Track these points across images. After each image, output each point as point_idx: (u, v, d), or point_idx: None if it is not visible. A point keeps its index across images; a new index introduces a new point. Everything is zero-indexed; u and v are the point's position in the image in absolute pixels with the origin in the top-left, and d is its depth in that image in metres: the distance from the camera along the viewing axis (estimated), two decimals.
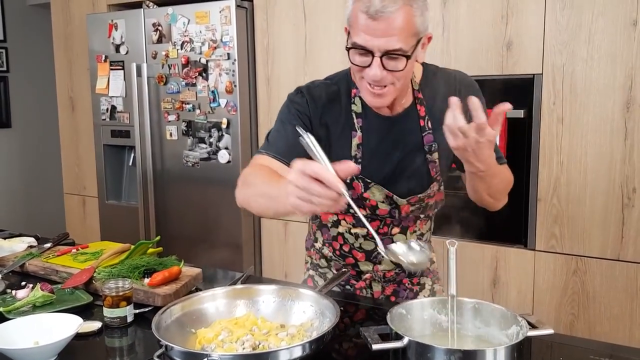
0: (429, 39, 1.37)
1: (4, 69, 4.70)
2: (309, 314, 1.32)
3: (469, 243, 2.63)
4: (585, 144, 2.36)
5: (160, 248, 1.93)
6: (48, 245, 1.99)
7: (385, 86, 1.34)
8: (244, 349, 1.17)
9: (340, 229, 1.60)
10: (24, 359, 1.21)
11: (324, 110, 1.48)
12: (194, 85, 3.14)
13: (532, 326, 1.13)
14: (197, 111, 3.16)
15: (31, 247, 2.07)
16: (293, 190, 1.06)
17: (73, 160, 3.98)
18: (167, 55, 3.21)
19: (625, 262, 2.33)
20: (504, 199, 1.54)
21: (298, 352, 1.07)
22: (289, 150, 1.40)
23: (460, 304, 1.21)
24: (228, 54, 3.02)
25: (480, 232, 2.56)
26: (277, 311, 1.36)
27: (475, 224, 2.53)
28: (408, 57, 1.29)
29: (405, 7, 1.26)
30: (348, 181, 1.48)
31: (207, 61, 3.09)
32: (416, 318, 1.22)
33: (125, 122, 3.45)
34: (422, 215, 1.59)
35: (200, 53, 3.10)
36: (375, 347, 1.05)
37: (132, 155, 3.56)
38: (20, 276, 1.83)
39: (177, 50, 3.17)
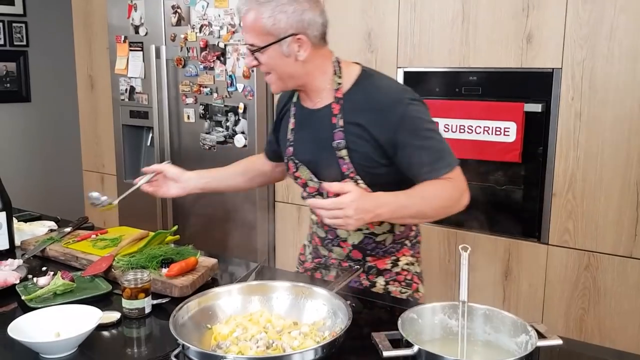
0: (299, 39, 1.52)
1: (24, 43, 4.73)
2: (322, 312, 1.35)
3: (482, 235, 2.64)
4: (602, 141, 2.35)
5: (178, 236, 1.97)
6: (68, 229, 2.04)
7: (268, 74, 1.59)
8: (257, 347, 1.21)
9: (310, 213, 1.79)
10: (45, 351, 1.25)
11: (283, 107, 1.78)
12: (212, 69, 3.15)
13: (542, 336, 1.15)
14: (215, 95, 3.18)
15: (51, 230, 2.12)
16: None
17: (92, 138, 4.02)
18: (185, 38, 3.22)
19: (638, 259, 2.33)
20: (453, 207, 1.53)
21: (310, 356, 1.10)
22: (270, 151, 1.93)
23: (471, 309, 1.23)
24: None
25: (493, 224, 2.58)
26: (290, 308, 1.40)
27: (488, 216, 2.55)
28: (254, 51, 1.53)
29: (251, 10, 1.50)
30: (286, 161, 1.73)
31: (225, 45, 3.09)
32: (427, 322, 1.25)
33: (144, 103, 3.48)
34: None
35: (219, 37, 3.10)
36: (385, 354, 1.08)
37: (150, 135, 3.59)
38: (41, 260, 1.88)
39: (196, 33, 3.18)
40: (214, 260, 1.75)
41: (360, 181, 1.58)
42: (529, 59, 2.46)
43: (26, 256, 1.87)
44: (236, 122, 3.14)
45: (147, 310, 1.48)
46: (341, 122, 1.58)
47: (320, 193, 1.67)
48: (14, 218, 2.03)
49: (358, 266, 1.63)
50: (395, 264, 1.73)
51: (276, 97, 3.12)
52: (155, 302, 1.52)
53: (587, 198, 2.40)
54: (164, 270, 1.64)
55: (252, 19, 1.50)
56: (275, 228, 3.31)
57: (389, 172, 1.57)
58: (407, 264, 1.74)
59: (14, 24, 4.63)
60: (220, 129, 3.21)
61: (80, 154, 4.15)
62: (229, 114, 3.16)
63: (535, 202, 2.52)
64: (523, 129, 2.46)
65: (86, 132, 4.06)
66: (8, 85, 4.66)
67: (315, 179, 1.66)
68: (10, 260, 1.75)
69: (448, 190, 1.50)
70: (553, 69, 2.41)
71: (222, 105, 3.17)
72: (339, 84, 1.60)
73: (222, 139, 3.21)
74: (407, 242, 1.74)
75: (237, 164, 2.01)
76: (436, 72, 2.68)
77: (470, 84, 2.59)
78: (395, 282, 1.73)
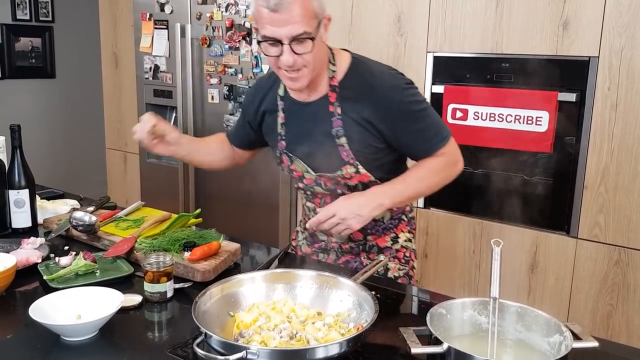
0: (329, 19, 1.49)
1: (49, 19, 4.73)
2: (347, 304, 1.31)
3: (508, 226, 2.58)
4: (638, 133, 2.27)
5: (200, 219, 1.95)
6: (91, 208, 2.02)
7: (299, 70, 1.49)
8: (281, 337, 1.18)
9: (303, 200, 1.82)
10: (67, 333, 1.24)
11: (264, 98, 1.73)
12: (237, 49, 3.11)
13: (576, 337, 1.10)
14: (240, 76, 3.14)
15: (74, 209, 2.11)
16: None
17: (115, 116, 4.02)
18: (211, 17, 3.17)
19: None
20: (449, 178, 1.63)
21: (335, 350, 1.07)
22: (234, 136, 1.92)
23: (502, 306, 1.18)
24: None
25: (521, 215, 2.52)
26: (314, 298, 1.36)
27: (516, 207, 2.49)
28: (313, 39, 1.43)
29: None
30: (278, 154, 1.72)
31: (251, 25, 3.05)
32: (456, 318, 1.21)
33: (168, 83, 3.46)
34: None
35: (245, 16, 3.06)
36: (414, 350, 1.04)
37: (174, 115, 3.57)
38: (64, 240, 1.86)
39: (222, 12, 3.13)
40: (236, 245, 1.73)
41: (360, 167, 1.59)
42: (565, 46, 2.37)
43: (53, 235, 1.86)
44: None
45: (169, 295, 1.45)
46: (339, 110, 1.58)
47: (318, 184, 1.68)
48: (37, 196, 2.02)
49: (382, 257, 1.59)
50: (395, 240, 1.77)
51: None
52: (177, 286, 1.50)
53: (619, 192, 2.33)
54: (186, 254, 1.62)
55: (301, 5, 1.40)
56: (298, 211, 3.29)
57: (386, 154, 1.62)
58: (405, 240, 1.79)
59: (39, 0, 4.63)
60: None
61: (103, 132, 4.15)
62: None
63: (565, 195, 2.45)
64: (556, 119, 2.39)
65: (110, 110, 4.06)
66: (33, 61, 4.67)
67: (312, 171, 1.66)
68: (32, 238, 1.73)
69: (441, 166, 1.60)
70: (589, 57, 2.33)
71: (247, 87, 3.13)
72: (334, 71, 1.59)
73: None
74: (403, 217, 1.79)
75: (213, 141, 1.94)
76: (467, 57, 2.61)
77: (502, 71, 2.51)
78: (395, 259, 1.77)
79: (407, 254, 1.79)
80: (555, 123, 2.39)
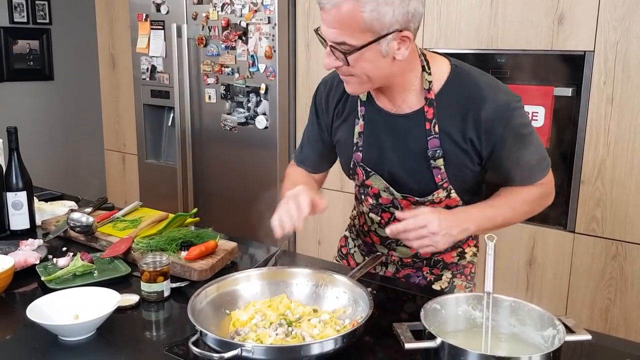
0: (407, 37, 1.27)
1: (47, 21, 4.73)
2: (342, 300, 1.32)
3: None
4: (634, 127, 2.27)
5: (198, 218, 1.95)
6: (88, 210, 2.03)
7: (348, 76, 1.34)
8: (277, 334, 1.18)
9: (363, 208, 1.62)
10: (64, 333, 1.24)
11: (339, 98, 1.52)
12: (234, 48, 3.12)
13: (569, 330, 1.11)
14: (236, 75, 3.14)
15: (72, 210, 2.12)
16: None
17: (113, 117, 4.03)
18: (207, 17, 3.18)
19: None
20: (538, 209, 1.49)
21: (330, 346, 1.08)
22: (317, 161, 1.66)
23: (496, 301, 1.19)
24: (269, 17, 2.97)
25: None
26: (310, 295, 1.37)
27: None
28: (347, 53, 1.26)
29: (349, 1, 1.21)
30: (352, 166, 1.53)
31: (247, 24, 3.05)
32: (450, 313, 1.21)
33: (165, 83, 3.46)
34: None
35: (241, 16, 3.06)
36: (407, 346, 1.05)
37: (172, 115, 3.58)
38: (62, 241, 1.87)
39: (218, 12, 3.13)
40: (233, 244, 1.73)
41: (452, 191, 1.44)
42: (560, 40, 2.38)
43: (51, 236, 1.86)
44: (257, 103, 3.11)
45: (166, 294, 1.46)
46: (436, 128, 1.38)
47: (395, 206, 1.51)
48: (34, 197, 2.03)
49: (379, 253, 1.59)
50: (461, 256, 1.63)
51: (301, 79, 3.13)
52: (174, 285, 1.50)
53: (616, 186, 2.33)
54: (183, 254, 1.62)
55: (348, 12, 1.21)
56: None
57: (476, 176, 1.45)
58: (472, 255, 1.66)
59: (37, 2, 4.63)
60: (241, 109, 3.18)
61: (101, 133, 4.16)
62: (251, 95, 3.12)
63: (562, 189, 2.45)
64: (552, 114, 2.39)
65: (107, 111, 4.06)
66: (31, 63, 4.68)
67: (392, 189, 1.48)
68: (30, 240, 1.74)
69: (535, 197, 1.45)
70: (585, 51, 2.33)
71: (244, 86, 3.13)
72: (430, 82, 1.39)
73: (243, 120, 3.18)
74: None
75: (307, 176, 1.67)
76: (462, 53, 2.61)
77: (498, 66, 2.51)
78: (462, 276, 1.65)
79: (473, 270, 1.67)
80: (551, 118, 2.40)
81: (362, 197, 1.59)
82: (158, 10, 3.39)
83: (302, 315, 1.27)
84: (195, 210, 1.99)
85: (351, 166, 1.53)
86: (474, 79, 1.39)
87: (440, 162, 1.40)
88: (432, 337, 1.06)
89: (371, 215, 1.59)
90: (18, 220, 1.91)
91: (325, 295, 1.36)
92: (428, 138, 1.39)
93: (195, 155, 3.43)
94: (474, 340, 1.17)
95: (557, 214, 2.48)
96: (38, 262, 1.62)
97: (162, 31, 3.40)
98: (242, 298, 1.35)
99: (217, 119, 3.28)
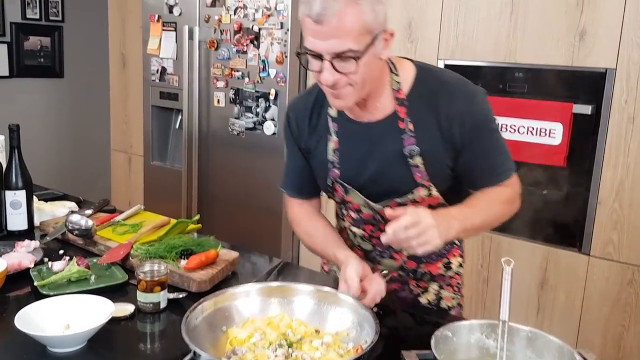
0: (391, 34, 1.29)
1: (59, 18, 4.70)
2: (346, 322, 1.25)
3: (518, 240, 2.51)
4: None
5: (200, 225, 1.89)
6: (89, 212, 1.97)
7: (343, 87, 1.28)
8: (276, 356, 1.12)
9: (344, 223, 1.59)
10: (53, 344, 1.18)
11: (309, 122, 1.50)
12: (245, 52, 3.06)
13: None
14: (246, 79, 3.09)
15: (72, 212, 2.06)
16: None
17: (121, 118, 3.98)
18: (219, 20, 3.13)
19: None
20: (509, 214, 1.44)
21: None
22: (304, 186, 1.59)
23: (512, 330, 1.12)
24: (281, 22, 2.92)
25: (532, 230, 2.45)
26: (312, 314, 1.30)
27: (526, 221, 2.41)
28: (358, 58, 1.22)
29: (350, 5, 1.18)
30: (330, 184, 1.50)
31: (259, 29, 3.00)
32: (462, 341, 1.14)
33: (175, 85, 3.41)
34: None
35: (254, 20, 3.01)
36: None
37: (179, 118, 3.53)
38: (60, 243, 1.81)
39: (230, 15, 3.08)
40: (235, 254, 1.67)
41: (433, 189, 1.41)
42: (581, 57, 2.30)
43: (48, 238, 1.81)
44: (266, 109, 3.05)
45: (163, 305, 1.40)
46: (410, 126, 1.37)
47: (376, 219, 1.47)
48: (34, 197, 1.97)
49: (386, 271, 1.52)
50: (447, 267, 1.61)
51: (311, 82, 3.06)
52: (171, 296, 1.44)
53: (635, 208, 2.25)
54: (183, 262, 1.56)
55: (353, 16, 1.19)
56: None
57: (451, 176, 1.43)
58: (458, 266, 1.63)
59: None
60: (250, 114, 3.12)
61: (109, 133, 4.11)
62: (260, 100, 3.07)
63: (578, 210, 2.38)
64: (570, 131, 2.32)
65: (116, 111, 4.02)
66: (42, 60, 4.64)
67: (371, 204, 1.45)
68: (27, 241, 1.68)
69: (507, 197, 1.42)
70: (606, 69, 2.26)
71: (253, 91, 3.08)
72: (398, 83, 1.39)
73: (252, 125, 3.12)
74: (456, 240, 1.62)
75: (321, 219, 1.62)
76: (479, 66, 2.55)
77: (515, 81, 2.45)
78: (449, 287, 1.62)
79: (460, 281, 1.64)
80: (570, 136, 2.32)
81: (344, 212, 1.56)
82: (170, 11, 3.35)
83: (304, 336, 1.20)
84: (197, 216, 1.93)
85: (329, 184, 1.50)
86: (440, 77, 1.40)
87: (418, 159, 1.38)
88: None
89: (353, 229, 1.56)
90: (16, 220, 1.86)
91: (328, 315, 1.28)
92: (402, 137, 1.38)
93: (201, 159, 3.37)
94: None
95: (572, 235, 2.40)
96: (32, 265, 1.56)
97: (174, 33, 3.36)
98: (240, 314, 1.28)
99: (225, 123, 3.23)
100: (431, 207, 1.41)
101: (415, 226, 1.19)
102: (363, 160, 1.43)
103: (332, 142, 1.46)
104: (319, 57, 1.24)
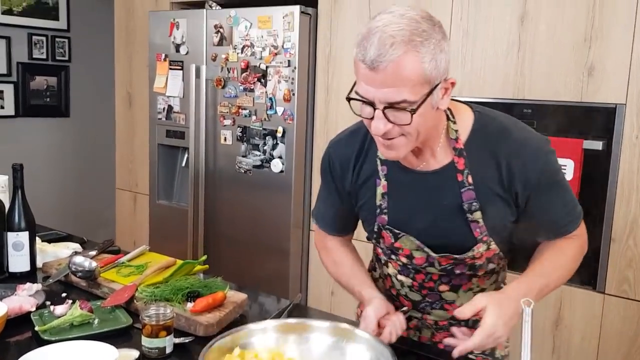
0: (452, 84, 1.20)
1: (66, 58, 4.74)
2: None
3: None
4: None
5: (207, 266, 1.85)
6: (93, 253, 1.93)
7: (395, 138, 1.21)
8: None
9: (389, 270, 1.52)
10: None
11: (354, 166, 1.43)
12: (252, 90, 3.06)
13: None
14: (253, 117, 3.08)
15: (75, 253, 2.02)
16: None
17: (127, 156, 3.97)
18: (226, 59, 3.14)
19: None
20: (576, 267, 1.42)
21: None
22: (338, 223, 1.58)
23: None
24: (289, 60, 2.93)
25: None
26: (329, 351, 1.26)
27: None
28: (414, 110, 1.14)
29: (409, 53, 1.10)
30: (376, 230, 1.42)
31: (266, 67, 3.00)
32: None
33: (181, 123, 3.41)
34: (479, 273, 1.43)
35: (261, 58, 3.02)
36: None
37: (186, 156, 3.51)
38: (62, 285, 1.77)
39: (237, 54, 3.10)
40: (243, 296, 1.62)
41: (492, 244, 1.35)
42: (590, 92, 2.29)
43: (50, 280, 1.77)
44: (274, 146, 3.04)
45: (169, 350, 1.35)
46: (470, 179, 1.29)
47: (431, 263, 1.40)
48: (37, 238, 1.94)
49: (406, 308, 1.46)
50: None
51: (319, 123, 3.06)
52: (177, 340, 1.39)
53: None
54: (189, 305, 1.51)
55: (411, 65, 1.10)
56: (310, 256, 3.18)
57: (512, 227, 1.36)
58: None
59: (57, 39, 4.65)
60: (257, 152, 3.11)
61: (114, 172, 4.10)
62: (267, 138, 3.05)
63: (591, 247, 2.30)
64: (581, 168, 2.29)
65: (121, 150, 4.01)
66: (48, 99, 4.66)
67: (426, 248, 1.37)
68: (28, 284, 1.64)
69: (577, 251, 1.39)
70: (616, 104, 2.24)
71: (261, 129, 3.07)
72: (456, 131, 1.30)
73: (259, 162, 3.11)
74: (502, 285, 1.54)
75: (349, 252, 1.60)
76: (488, 102, 2.53)
77: (524, 117, 2.42)
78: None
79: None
80: (581, 172, 2.29)
81: (392, 258, 1.47)
82: (177, 50, 3.37)
83: None
84: (204, 257, 1.89)
85: (375, 230, 1.42)
86: (500, 125, 1.31)
87: (477, 214, 1.30)
88: None
89: (400, 277, 1.48)
90: (18, 262, 1.82)
91: (345, 353, 1.25)
92: (462, 190, 1.30)
93: (207, 197, 3.35)
94: None
95: (586, 273, 2.34)
96: (34, 309, 1.52)
97: (181, 71, 3.37)
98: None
99: (232, 161, 3.21)
100: (488, 259, 1.39)
101: (487, 339, 1.19)
102: (416, 210, 1.36)
103: (381, 187, 1.39)
104: (370, 104, 1.17)
